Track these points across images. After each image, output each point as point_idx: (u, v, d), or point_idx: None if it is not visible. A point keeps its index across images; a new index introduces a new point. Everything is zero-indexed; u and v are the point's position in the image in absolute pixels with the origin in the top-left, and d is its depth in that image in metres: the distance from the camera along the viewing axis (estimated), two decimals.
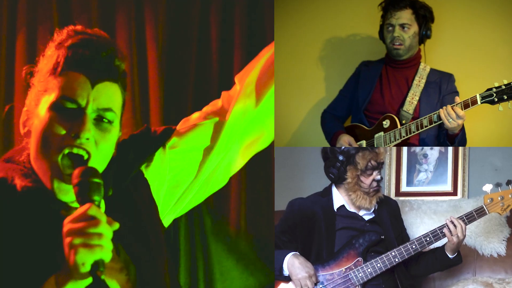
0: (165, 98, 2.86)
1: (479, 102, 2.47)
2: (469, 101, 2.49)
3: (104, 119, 1.43)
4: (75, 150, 1.39)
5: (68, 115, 1.40)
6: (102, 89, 1.42)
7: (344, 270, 2.28)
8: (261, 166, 2.82)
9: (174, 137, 1.65)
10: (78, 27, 1.50)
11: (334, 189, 2.44)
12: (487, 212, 2.33)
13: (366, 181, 2.36)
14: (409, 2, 2.80)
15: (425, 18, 2.82)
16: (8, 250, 1.34)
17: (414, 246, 2.31)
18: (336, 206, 2.42)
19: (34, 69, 1.50)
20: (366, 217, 2.42)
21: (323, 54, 3.24)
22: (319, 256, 2.33)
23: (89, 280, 1.27)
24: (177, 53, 2.88)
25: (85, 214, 1.28)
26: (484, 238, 2.74)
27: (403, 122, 2.75)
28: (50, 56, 1.45)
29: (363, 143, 2.83)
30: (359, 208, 2.40)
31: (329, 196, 2.45)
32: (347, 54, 3.25)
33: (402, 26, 2.79)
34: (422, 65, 2.87)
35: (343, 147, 2.44)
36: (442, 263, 2.36)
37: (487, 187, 2.34)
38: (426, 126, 2.62)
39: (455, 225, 2.27)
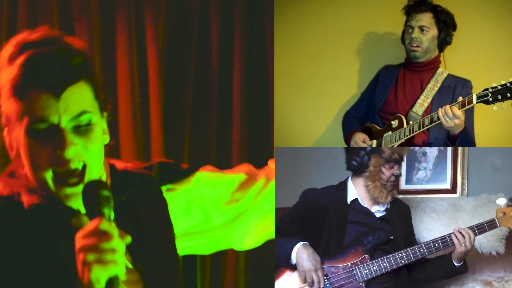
0: (165, 98, 2.87)
1: (474, 102, 2.49)
2: (466, 101, 2.52)
3: (81, 124, 1.38)
4: (71, 166, 1.37)
5: (45, 136, 1.36)
6: (68, 97, 1.36)
7: (349, 265, 2.28)
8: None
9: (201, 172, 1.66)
10: (20, 38, 1.44)
11: (350, 182, 2.45)
12: (498, 225, 2.34)
13: (387, 173, 2.37)
14: (430, 6, 2.84)
15: (445, 23, 2.84)
16: (20, 270, 1.33)
17: (421, 250, 2.31)
18: (349, 199, 2.43)
19: None
20: (378, 214, 2.42)
21: (323, 54, 3.24)
22: (327, 249, 2.33)
23: None
24: (177, 53, 2.89)
25: (97, 229, 1.26)
26: (483, 237, 2.73)
27: (411, 122, 2.78)
28: (7, 75, 1.38)
29: (374, 142, 2.87)
30: (374, 201, 2.41)
31: (344, 189, 2.45)
32: (347, 54, 3.25)
33: (421, 28, 2.82)
34: (440, 70, 2.89)
35: (367, 148, 2.47)
36: (448, 270, 2.37)
37: (501, 201, 2.34)
38: (427, 125, 2.64)
39: (463, 235, 2.29)
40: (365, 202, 2.42)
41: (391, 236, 2.35)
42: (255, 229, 1.78)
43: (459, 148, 3.07)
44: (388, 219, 2.42)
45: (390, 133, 2.82)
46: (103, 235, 1.25)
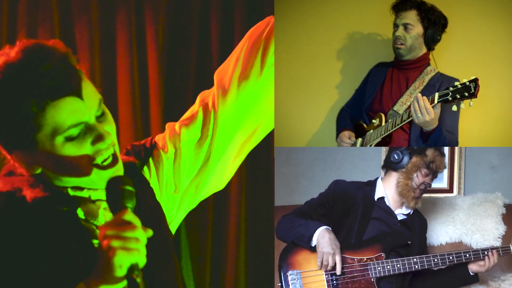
0: (165, 98, 2.87)
1: (436, 101, 2.46)
2: (430, 99, 2.49)
3: (99, 114, 1.39)
4: (105, 154, 1.38)
5: (79, 138, 1.36)
6: (87, 93, 1.36)
7: (365, 259, 2.32)
8: (261, 166, 2.85)
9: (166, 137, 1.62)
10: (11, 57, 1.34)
11: (379, 181, 2.50)
12: None
13: (421, 178, 2.41)
14: (415, 4, 2.79)
15: (431, 21, 2.80)
16: (31, 264, 1.33)
17: (436, 260, 2.36)
18: (377, 196, 2.47)
19: None
20: (400, 217, 2.47)
21: (323, 54, 3.25)
22: (347, 239, 2.37)
23: (123, 283, 1.27)
24: (177, 53, 2.89)
25: (121, 219, 1.28)
26: (480, 236, 2.77)
27: (389, 120, 2.76)
28: None
29: (358, 141, 2.87)
30: (400, 200, 2.44)
31: (373, 186, 2.49)
32: (347, 54, 3.26)
33: (405, 26, 2.79)
34: (428, 68, 2.84)
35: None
36: (461, 279, 2.43)
37: None
38: (398, 124, 2.64)
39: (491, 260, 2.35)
40: (390, 202, 2.47)
41: (408, 241, 2.40)
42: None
43: (456, 148, 3.09)
44: (409, 224, 2.48)
45: (371, 131, 2.81)
46: (128, 225, 1.28)
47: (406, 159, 2.42)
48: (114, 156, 1.41)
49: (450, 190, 3.10)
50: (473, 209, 2.82)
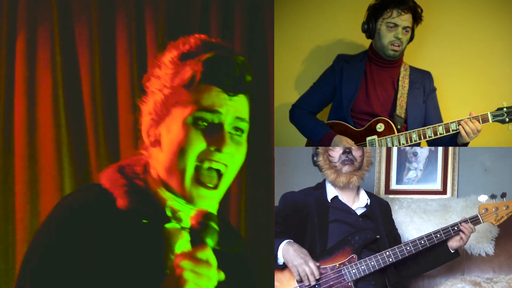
0: None
1: (490, 121, 2.57)
2: (480, 118, 2.57)
3: (235, 132, 1.43)
4: (214, 165, 1.40)
5: (207, 129, 1.39)
6: (239, 101, 1.42)
7: (337, 265, 2.32)
8: (261, 166, 2.85)
9: None
10: (203, 36, 1.48)
11: (327, 181, 2.51)
12: (481, 221, 2.41)
13: (334, 154, 2.47)
14: (413, 7, 2.78)
15: (415, 20, 2.81)
16: (111, 269, 1.33)
17: (408, 248, 2.36)
18: (330, 197, 2.47)
19: (149, 74, 1.50)
20: (359, 212, 2.46)
21: (323, 54, 3.24)
22: (312, 249, 2.36)
23: None
24: None
25: (200, 254, 1.30)
26: (473, 238, 2.76)
27: (398, 127, 2.78)
28: (178, 67, 1.43)
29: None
30: (349, 191, 2.47)
31: (322, 188, 2.50)
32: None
33: (405, 28, 2.78)
34: (403, 64, 2.87)
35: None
36: (442, 259, 2.44)
37: (482, 198, 2.41)
38: (430, 136, 2.66)
39: (467, 229, 2.37)
40: (345, 199, 2.47)
41: (377, 235, 2.39)
42: None
43: (450, 149, 3.09)
44: (370, 216, 2.47)
45: (375, 137, 2.78)
46: (205, 262, 1.30)
47: (316, 157, 2.49)
48: (216, 177, 1.42)
49: (443, 191, 3.11)
50: (467, 211, 2.83)
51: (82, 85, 2.81)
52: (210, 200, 1.42)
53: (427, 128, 2.67)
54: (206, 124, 1.40)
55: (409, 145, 2.74)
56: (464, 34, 3.20)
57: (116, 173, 1.46)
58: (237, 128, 1.43)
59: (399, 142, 2.73)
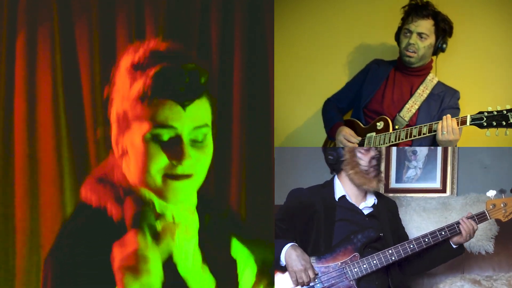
0: None
1: (468, 123, 2.51)
2: (459, 120, 2.53)
3: (198, 140, 1.43)
4: (180, 179, 1.42)
5: (166, 143, 1.40)
6: (194, 109, 1.42)
7: (340, 264, 2.31)
8: (261, 166, 2.85)
9: None
10: (152, 45, 1.48)
11: (336, 179, 2.49)
12: (488, 217, 2.35)
13: (364, 157, 2.41)
14: (432, 13, 2.77)
15: (444, 31, 2.80)
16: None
17: (411, 246, 2.34)
18: (337, 196, 2.46)
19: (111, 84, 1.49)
20: (366, 211, 2.45)
21: (323, 55, 3.25)
22: (316, 247, 2.36)
23: None
24: None
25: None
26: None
27: (396, 127, 2.79)
28: (133, 75, 1.44)
29: (358, 139, 2.88)
30: (361, 193, 2.43)
31: (331, 186, 2.48)
32: (347, 55, 3.27)
33: (420, 34, 2.77)
34: (430, 76, 2.86)
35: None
36: (447, 255, 2.42)
37: (491, 193, 2.34)
38: (414, 136, 2.66)
39: (467, 226, 2.34)
40: (352, 199, 2.46)
41: (380, 233, 2.38)
42: None
43: (449, 148, 3.10)
44: (376, 215, 2.46)
45: (373, 134, 2.81)
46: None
47: (341, 153, 2.43)
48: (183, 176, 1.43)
49: (443, 190, 3.12)
50: (466, 209, 2.84)
51: (82, 85, 2.81)
52: (185, 191, 1.43)
53: (414, 128, 2.69)
54: (164, 139, 1.40)
55: (395, 144, 2.74)
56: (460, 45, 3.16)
57: (98, 184, 1.47)
58: (195, 139, 1.43)
59: (389, 140, 2.74)
